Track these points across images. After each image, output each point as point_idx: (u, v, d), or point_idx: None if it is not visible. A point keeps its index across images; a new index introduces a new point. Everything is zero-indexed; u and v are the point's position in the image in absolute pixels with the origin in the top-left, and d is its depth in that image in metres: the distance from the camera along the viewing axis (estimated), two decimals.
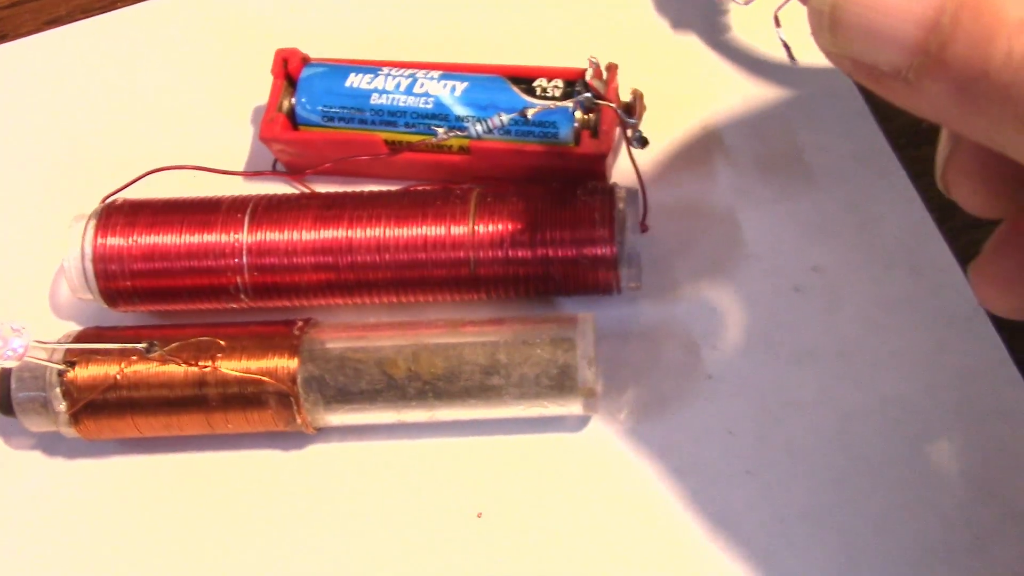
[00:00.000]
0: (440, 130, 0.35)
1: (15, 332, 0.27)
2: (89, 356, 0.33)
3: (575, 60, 0.37)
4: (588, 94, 0.33)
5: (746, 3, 0.33)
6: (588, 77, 0.33)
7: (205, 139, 0.41)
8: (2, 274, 0.39)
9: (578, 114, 0.36)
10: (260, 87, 0.40)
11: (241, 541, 0.35)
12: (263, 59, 0.40)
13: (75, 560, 0.35)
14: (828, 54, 0.21)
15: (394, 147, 0.37)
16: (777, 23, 0.28)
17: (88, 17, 0.44)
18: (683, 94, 0.39)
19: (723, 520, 0.33)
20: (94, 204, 0.37)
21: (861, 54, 0.20)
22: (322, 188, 0.38)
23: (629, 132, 0.34)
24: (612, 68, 0.36)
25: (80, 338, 0.34)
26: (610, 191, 0.35)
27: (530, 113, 0.34)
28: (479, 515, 0.34)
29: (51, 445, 0.36)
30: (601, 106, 0.35)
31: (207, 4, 0.43)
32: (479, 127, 0.34)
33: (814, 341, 0.35)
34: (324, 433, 0.35)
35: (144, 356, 0.31)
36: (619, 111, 0.34)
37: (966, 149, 0.24)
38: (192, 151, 0.40)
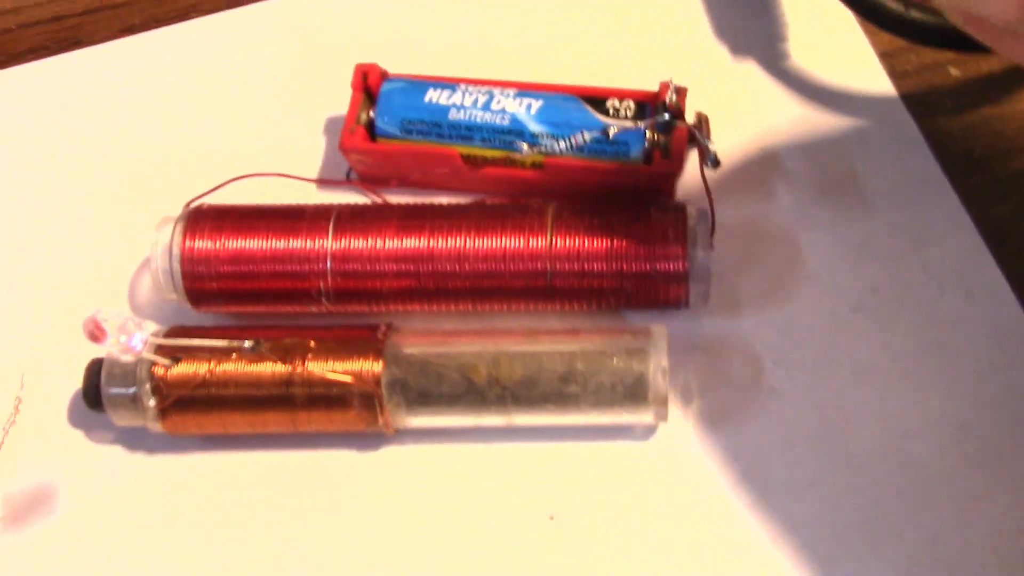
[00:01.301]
0: (524, 146, 0.36)
1: (137, 326, 0.28)
2: (182, 353, 0.34)
3: (636, 82, 0.38)
4: (667, 115, 0.35)
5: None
6: (669, 99, 0.35)
7: (278, 148, 0.42)
8: (83, 273, 0.40)
9: (648, 133, 0.37)
10: (333, 99, 0.42)
11: (316, 539, 0.36)
12: (335, 71, 0.41)
13: (153, 554, 0.36)
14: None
15: (471, 161, 0.39)
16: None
17: (162, 26, 0.46)
18: (742, 118, 0.41)
19: (784, 530, 0.35)
20: (170, 209, 0.38)
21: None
22: (395, 199, 0.40)
23: (705, 153, 0.35)
24: (682, 91, 0.38)
25: (170, 335, 0.35)
26: (682, 209, 0.36)
27: (612, 132, 0.35)
28: (551, 517, 0.35)
29: (133, 440, 0.37)
30: (676, 127, 0.36)
31: (281, 17, 0.45)
32: (561, 144, 0.36)
33: (872, 359, 0.37)
34: (400, 435, 0.36)
35: (247, 353, 0.33)
36: (696, 133, 0.35)
37: None
38: (266, 159, 0.41)
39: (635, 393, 0.34)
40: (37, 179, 0.42)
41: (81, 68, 0.45)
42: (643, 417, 0.35)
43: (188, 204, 0.38)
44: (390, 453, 0.36)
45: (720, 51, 0.43)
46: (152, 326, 0.38)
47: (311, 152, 0.42)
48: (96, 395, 0.35)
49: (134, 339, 0.28)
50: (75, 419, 0.38)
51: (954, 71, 0.41)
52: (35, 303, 0.40)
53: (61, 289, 0.40)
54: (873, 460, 0.35)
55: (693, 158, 0.38)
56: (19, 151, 0.43)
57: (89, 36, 0.46)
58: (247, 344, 0.32)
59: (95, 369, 0.35)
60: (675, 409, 0.36)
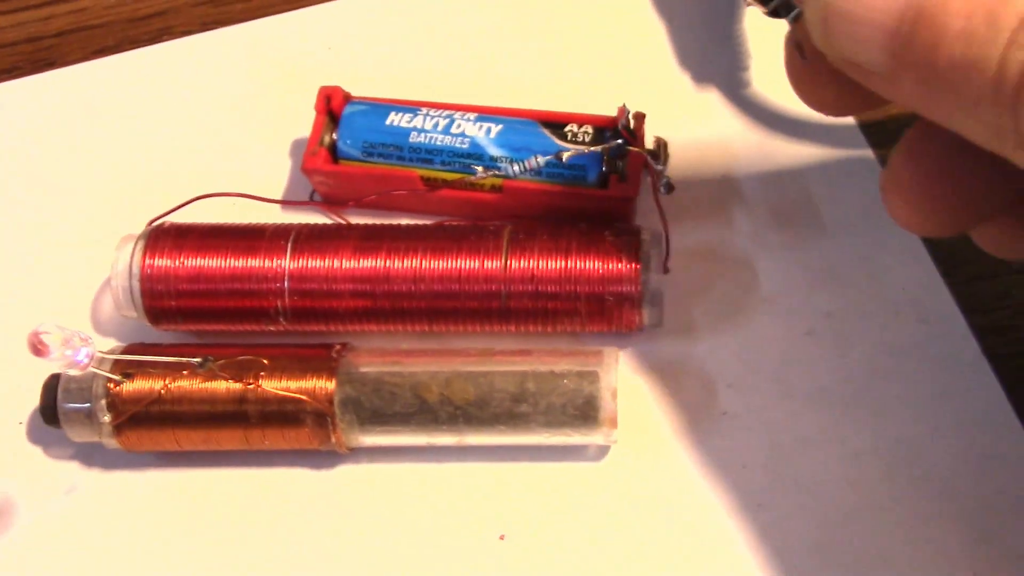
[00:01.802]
0: (479, 169, 0.37)
1: (83, 341, 0.29)
2: (136, 369, 0.34)
3: (600, 108, 0.39)
4: (620, 140, 0.35)
5: (747, 4, 0.34)
6: (622, 125, 0.35)
7: (243, 169, 0.42)
8: (46, 290, 0.41)
9: (605, 158, 0.38)
10: (298, 121, 0.42)
11: (269, 556, 0.36)
12: (301, 95, 0.42)
13: (108, 571, 0.36)
14: (828, 57, 0.25)
15: (432, 184, 0.39)
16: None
17: (136, 48, 0.46)
18: (703, 144, 0.41)
19: (734, 552, 0.35)
20: (135, 227, 0.38)
21: (850, 55, 0.24)
22: (357, 220, 0.40)
23: (658, 178, 0.36)
24: (640, 117, 0.38)
25: (127, 353, 0.35)
26: (636, 233, 0.36)
27: (565, 156, 0.36)
28: (501, 537, 0.35)
29: (89, 455, 0.37)
30: (631, 152, 0.37)
31: (250, 41, 0.45)
32: (515, 167, 0.36)
33: (825, 382, 0.37)
34: (355, 454, 0.37)
35: (197, 370, 0.33)
36: (649, 158, 0.36)
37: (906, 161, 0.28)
38: (231, 179, 0.41)
39: (585, 414, 0.34)
40: (5, 194, 0.43)
41: (53, 89, 0.45)
42: (594, 438, 0.35)
43: (151, 223, 0.38)
44: (344, 472, 0.37)
45: (682, 78, 0.43)
46: (111, 342, 0.39)
47: (276, 173, 0.42)
48: (53, 410, 0.35)
49: (79, 354, 0.28)
50: (34, 435, 0.38)
51: None
52: (1, 318, 0.40)
53: (24, 306, 0.40)
54: (825, 482, 0.36)
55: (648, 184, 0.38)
56: None
57: (63, 57, 0.47)
58: (196, 361, 0.33)
59: (52, 384, 0.35)
60: (626, 430, 0.36)
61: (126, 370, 0.34)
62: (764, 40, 0.43)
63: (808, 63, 0.27)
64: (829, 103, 0.28)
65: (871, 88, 0.25)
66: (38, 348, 0.27)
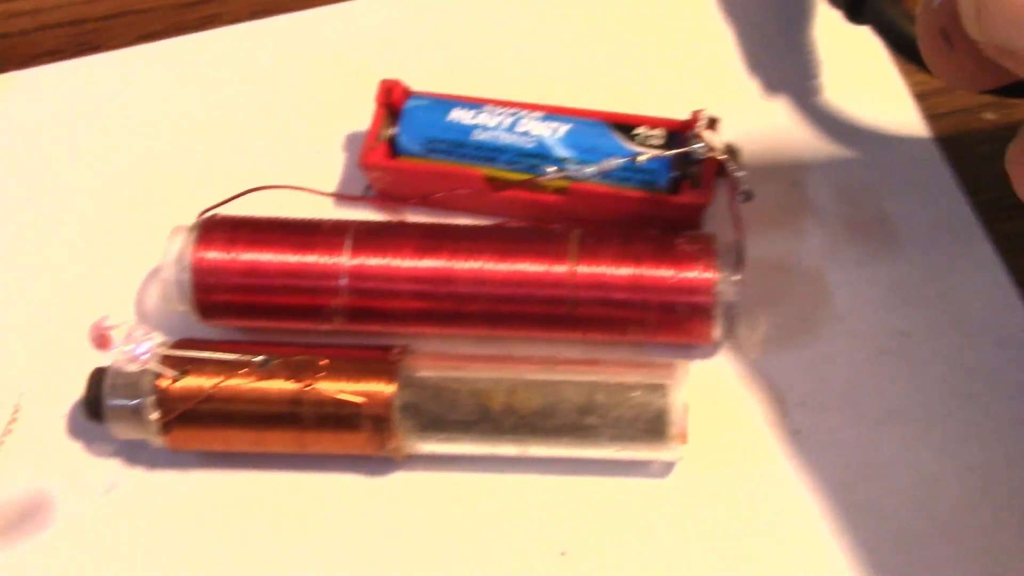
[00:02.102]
0: (550, 169, 0.35)
1: (146, 336, 0.27)
2: (190, 366, 0.33)
3: (665, 112, 0.38)
4: (699, 145, 0.34)
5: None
6: (700, 128, 0.34)
7: (295, 162, 0.41)
8: (91, 281, 0.39)
9: (677, 163, 0.36)
10: (352, 115, 0.41)
11: (318, 565, 0.34)
12: (355, 88, 0.41)
13: (144, 572, 0.34)
14: (976, 38, 0.23)
15: (494, 183, 0.38)
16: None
17: (183, 35, 0.45)
18: (773, 153, 0.40)
19: None
20: (181, 219, 0.37)
21: (1004, 41, 0.22)
22: (413, 218, 0.39)
23: (737, 186, 0.34)
24: (715, 121, 0.37)
25: (177, 348, 0.34)
26: (710, 241, 0.35)
27: (641, 159, 0.34)
28: (562, 553, 0.34)
29: (132, 453, 0.36)
30: (705, 157, 0.35)
31: (304, 30, 0.44)
32: (589, 169, 0.35)
33: (899, 404, 0.36)
34: (410, 461, 0.35)
35: (257, 369, 0.31)
36: (728, 164, 0.34)
37: None
38: (281, 173, 0.40)
39: (655, 428, 0.33)
40: (48, 182, 0.41)
41: (98, 73, 0.44)
42: (661, 454, 0.34)
43: (202, 214, 0.37)
44: (399, 479, 0.35)
45: (751, 85, 0.42)
46: (157, 337, 0.37)
47: (330, 167, 0.41)
48: (97, 406, 0.34)
49: (140, 348, 0.27)
50: (74, 430, 0.37)
51: (989, 116, 0.41)
52: (40, 309, 0.39)
53: (68, 296, 0.39)
54: (897, 508, 0.34)
55: (722, 190, 0.37)
56: (31, 153, 0.42)
57: (107, 41, 0.45)
58: (258, 359, 0.31)
59: (98, 378, 0.34)
60: (693, 446, 0.34)
61: (182, 366, 0.33)
62: (834, 48, 0.42)
63: (954, 51, 0.24)
64: (974, 79, 0.25)
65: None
66: (101, 341, 0.26)
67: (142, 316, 0.38)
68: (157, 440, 0.34)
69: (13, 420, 0.37)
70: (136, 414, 0.34)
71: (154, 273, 0.38)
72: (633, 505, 0.35)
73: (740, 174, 0.34)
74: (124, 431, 0.34)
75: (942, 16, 0.24)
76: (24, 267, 0.40)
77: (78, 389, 0.35)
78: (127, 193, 0.41)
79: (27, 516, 0.35)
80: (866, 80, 0.41)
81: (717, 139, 0.36)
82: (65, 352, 0.37)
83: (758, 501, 0.34)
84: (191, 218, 0.37)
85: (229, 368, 0.33)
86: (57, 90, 0.44)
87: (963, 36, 0.23)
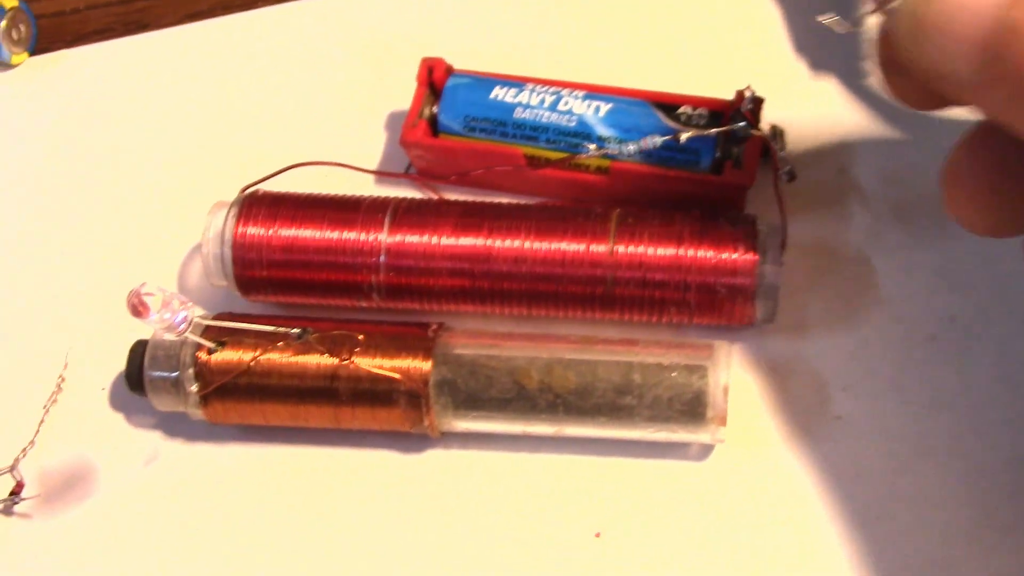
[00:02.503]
0: (591, 147, 0.35)
1: (183, 305, 0.27)
2: (228, 338, 0.33)
3: (709, 91, 0.37)
4: (743, 123, 0.33)
5: (844, 31, 0.32)
6: (745, 108, 0.33)
7: (336, 139, 0.41)
8: (135, 254, 0.40)
9: (720, 142, 0.36)
10: (396, 92, 0.41)
11: (352, 539, 0.34)
12: (399, 65, 0.41)
13: (186, 543, 0.35)
14: (907, 67, 0.25)
15: (534, 162, 0.37)
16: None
17: (229, 14, 0.45)
18: (818, 134, 0.39)
19: (842, 566, 0.33)
20: (224, 194, 0.37)
21: (937, 67, 0.24)
22: (453, 195, 0.38)
23: (780, 166, 0.34)
24: (759, 101, 0.36)
25: (217, 321, 0.34)
26: (752, 222, 0.34)
27: (683, 137, 0.34)
28: (597, 535, 0.34)
29: (172, 425, 0.36)
30: (749, 137, 0.35)
31: (347, 9, 0.44)
32: (630, 147, 0.34)
33: (947, 391, 0.35)
34: (445, 438, 0.35)
35: (294, 342, 0.32)
36: (773, 144, 0.34)
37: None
38: (323, 150, 0.40)
39: (693, 410, 0.33)
40: (96, 158, 0.42)
41: (146, 51, 0.44)
42: (700, 436, 0.33)
43: (244, 190, 0.37)
44: (433, 456, 0.35)
45: (798, 66, 0.41)
46: (198, 311, 0.37)
47: (371, 145, 0.41)
48: (139, 377, 0.34)
49: (178, 317, 0.27)
50: (116, 402, 0.37)
51: None
52: (85, 282, 0.39)
53: (112, 270, 0.40)
54: (943, 498, 0.33)
55: (764, 172, 0.36)
56: (80, 130, 0.43)
57: (156, 20, 0.46)
58: (295, 332, 0.31)
59: (139, 351, 0.34)
60: (733, 430, 0.34)
61: (219, 338, 0.33)
62: None
63: (899, 76, 0.27)
64: (919, 102, 0.28)
65: (954, 99, 0.25)
66: (138, 309, 0.26)
67: (184, 291, 0.39)
68: (197, 412, 0.34)
69: (58, 391, 0.37)
70: (176, 386, 0.34)
71: (197, 248, 0.39)
72: (670, 488, 0.34)
73: (783, 154, 0.34)
74: (164, 403, 0.34)
75: (884, 46, 0.27)
76: (71, 241, 0.40)
77: (122, 362, 0.35)
78: (173, 169, 0.41)
79: (69, 485, 0.36)
80: None
81: (761, 119, 0.35)
82: (109, 325, 0.38)
83: (798, 487, 0.34)
84: (235, 194, 0.37)
85: (266, 341, 0.33)
86: (105, 68, 0.44)
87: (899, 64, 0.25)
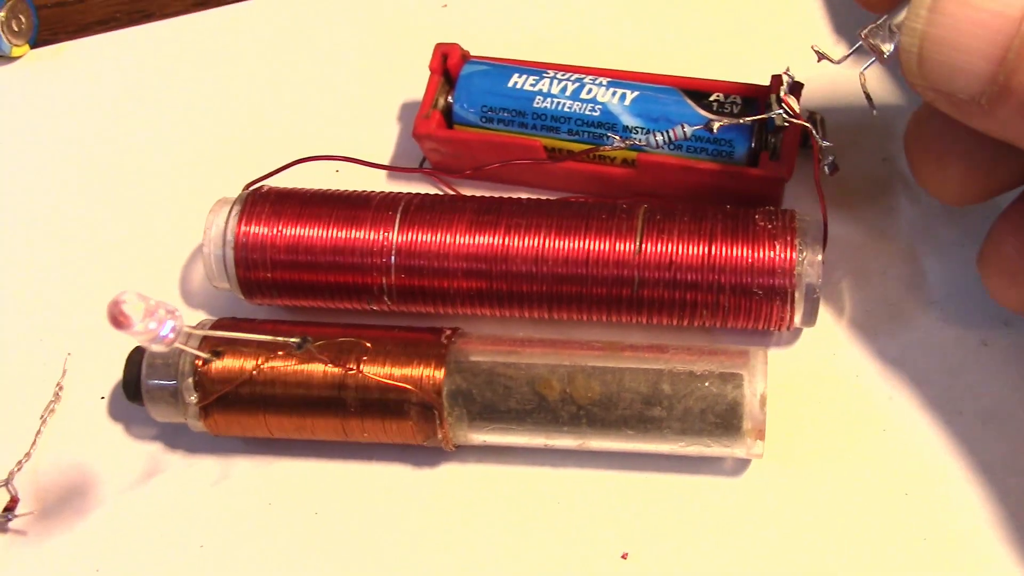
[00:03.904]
0: (615, 137, 0.33)
1: (169, 314, 0.25)
2: (226, 347, 0.31)
3: (744, 76, 0.35)
4: (781, 111, 0.31)
5: (838, 62, 0.30)
6: (783, 93, 0.31)
7: (347, 132, 0.39)
8: (134, 257, 0.38)
9: (756, 131, 0.33)
10: (408, 82, 0.39)
11: (361, 559, 0.32)
12: (411, 53, 0.38)
13: (186, 559, 0.33)
14: (914, 85, 0.25)
15: (556, 155, 0.35)
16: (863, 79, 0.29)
17: (236, 2, 0.43)
18: (860, 123, 0.37)
19: None
20: (230, 190, 0.35)
21: (943, 85, 0.24)
22: (469, 191, 0.36)
23: (821, 156, 0.31)
24: (798, 87, 0.34)
25: (217, 328, 0.32)
26: (791, 217, 0.32)
27: (716, 126, 0.31)
28: (624, 556, 0.31)
29: (173, 437, 0.34)
30: (787, 126, 0.32)
31: None
32: (658, 137, 0.32)
33: (1003, 401, 0.32)
34: (460, 452, 0.33)
35: (294, 351, 0.29)
36: (813, 132, 0.31)
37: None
38: (333, 143, 0.38)
39: (728, 422, 0.30)
40: (95, 154, 0.40)
41: (150, 42, 0.43)
42: (735, 450, 0.31)
43: (247, 187, 0.35)
44: (447, 471, 0.33)
45: (837, 49, 0.38)
46: (201, 315, 0.36)
47: (383, 138, 0.39)
48: (136, 387, 0.32)
49: (164, 327, 0.25)
50: (116, 411, 0.35)
51: None
52: (84, 284, 0.38)
53: (112, 270, 0.38)
54: (1002, 518, 0.31)
55: (802, 163, 0.34)
56: (83, 125, 0.41)
57: (160, 9, 0.44)
58: (293, 340, 0.29)
59: (137, 359, 0.32)
60: (770, 443, 0.31)
61: (216, 347, 0.31)
62: None
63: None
64: (953, 192, 0.29)
65: (962, 119, 0.25)
66: (118, 320, 0.24)
67: (186, 295, 0.37)
68: (197, 424, 0.32)
69: (56, 400, 0.35)
70: (175, 396, 0.32)
71: (199, 249, 0.37)
72: (702, 505, 0.32)
73: (826, 144, 0.31)
74: (164, 414, 0.32)
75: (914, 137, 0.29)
76: (67, 240, 0.38)
77: (120, 369, 0.33)
78: (176, 165, 0.39)
79: (66, 500, 0.34)
80: None
81: (799, 106, 0.33)
82: (108, 330, 0.36)
83: (841, 504, 0.31)
84: (239, 191, 0.35)
85: (266, 350, 0.31)
86: (109, 60, 0.42)
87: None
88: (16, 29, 0.43)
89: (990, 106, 0.24)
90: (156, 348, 0.27)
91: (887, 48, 0.26)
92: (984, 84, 0.23)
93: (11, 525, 0.34)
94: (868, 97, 0.29)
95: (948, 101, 0.25)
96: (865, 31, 0.27)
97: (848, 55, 0.28)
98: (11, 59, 0.43)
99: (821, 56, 0.29)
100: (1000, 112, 0.24)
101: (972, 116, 0.24)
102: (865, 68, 0.28)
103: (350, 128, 0.39)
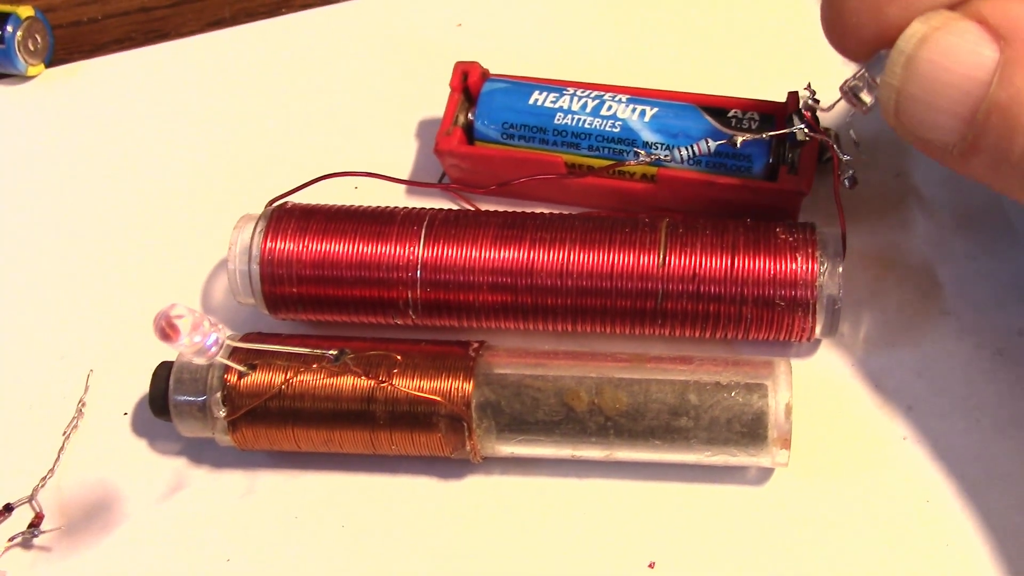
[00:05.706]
0: (640, 153, 0.33)
1: (214, 327, 0.25)
2: (259, 360, 0.31)
3: (762, 93, 0.35)
4: (803, 126, 0.31)
5: (827, 110, 0.31)
6: (803, 108, 0.31)
7: (367, 149, 0.40)
8: (156, 273, 0.38)
9: (774, 146, 0.34)
10: (429, 98, 0.39)
11: (387, 572, 0.32)
12: (430, 71, 0.39)
13: (210, 575, 0.33)
14: (896, 130, 0.26)
15: (577, 170, 0.36)
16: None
17: (252, 21, 0.44)
18: (875, 139, 0.37)
19: None
20: (251, 208, 0.35)
21: (919, 135, 0.25)
22: (490, 207, 0.37)
23: (841, 170, 0.32)
24: (818, 102, 0.34)
25: (246, 341, 0.32)
26: (811, 230, 0.32)
27: (739, 142, 0.32)
28: (651, 565, 0.32)
29: (198, 451, 0.35)
30: (807, 141, 0.33)
31: (376, 15, 0.42)
32: (682, 152, 0.33)
33: (1018, 410, 0.33)
34: (487, 464, 0.33)
35: (330, 364, 0.30)
36: (833, 146, 0.32)
37: None
38: (353, 160, 0.38)
39: (753, 432, 0.31)
40: (116, 172, 0.40)
41: (166, 61, 0.43)
42: (760, 459, 0.31)
43: (271, 203, 0.35)
44: (475, 483, 0.33)
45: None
46: (228, 329, 0.36)
47: (403, 154, 0.39)
48: (163, 402, 0.32)
49: (209, 340, 0.25)
50: (139, 427, 0.35)
51: None
52: (105, 301, 0.38)
53: (134, 287, 0.38)
54: (1020, 525, 0.31)
55: (821, 178, 0.34)
56: (99, 144, 0.41)
57: (176, 28, 0.44)
58: (332, 353, 0.29)
59: (163, 374, 0.33)
60: (793, 452, 0.32)
61: (250, 360, 0.31)
62: None
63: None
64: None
65: (939, 162, 0.26)
66: (167, 332, 0.24)
67: (209, 310, 0.37)
68: (225, 438, 0.32)
69: (79, 416, 0.35)
70: (203, 411, 0.32)
71: (222, 265, 0.37)
72: (728, 514, 0.32)
73: (846, 157, 0.32)
74: (191, 429, 0.33)
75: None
76: (88, 258, 0.39)
77: (144, 385, 0.33)
78: (196, 183, 0.40)
79: (91, 516, 0.34)
80: None
81: (818, 121, 0.33)
82: (131, 346, 0.36)
83: (863, 512, 0.32)
84: (262, 208, 0.35)
85: (299, 363, 0.31)
86: (125, 79, 0.43)
87: None
88: (32, 48, 0.43)
89: (962, 157, 0.25)
90: (198, 361, 0.27)
91: (868, 100, 0.27)
92: (956, 139, 0.25)
93: (36, 542, 0.34)
94: (856, 144, 0.31)
95: (925, 148, 0.26)
96: (845, 84, 0.28)
97: (834, 104, 0.29)
98: (27, 78, 0.43)
99: (812, 102, 0.31)
100: (972, 163, 0.25)
101: (947, 162, 0.26)
102: (847, 118, 0.29)
103: (371, 145, 0.39)
